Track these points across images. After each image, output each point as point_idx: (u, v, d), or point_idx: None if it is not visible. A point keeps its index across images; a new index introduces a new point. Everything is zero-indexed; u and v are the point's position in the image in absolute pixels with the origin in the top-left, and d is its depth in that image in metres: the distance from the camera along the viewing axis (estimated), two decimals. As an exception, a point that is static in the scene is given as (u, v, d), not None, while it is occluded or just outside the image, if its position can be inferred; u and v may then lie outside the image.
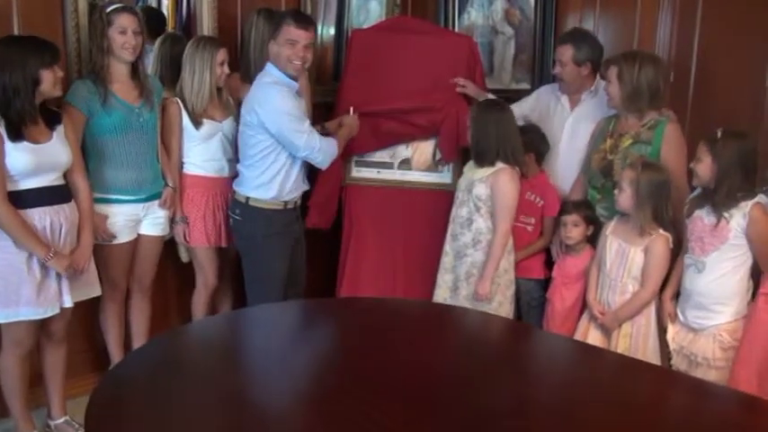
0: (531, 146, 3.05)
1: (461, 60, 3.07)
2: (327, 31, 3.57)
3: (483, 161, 2.81)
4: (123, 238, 2.88)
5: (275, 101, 2.64)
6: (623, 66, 2.71)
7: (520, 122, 3.00)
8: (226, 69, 2.97)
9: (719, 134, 2.41)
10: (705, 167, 2.45)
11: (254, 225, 2.79)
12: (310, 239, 3.05)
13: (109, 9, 2.68)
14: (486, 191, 2.78)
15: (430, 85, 3.05)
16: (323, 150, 2.71)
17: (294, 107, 2.65)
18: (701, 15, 2.94)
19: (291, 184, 2.84)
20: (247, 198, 2.82)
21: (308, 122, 2.67)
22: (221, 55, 2.95)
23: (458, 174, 3.10)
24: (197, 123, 2.95)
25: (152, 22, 2.95)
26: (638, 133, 2.74)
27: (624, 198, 2.62)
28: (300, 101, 2.76)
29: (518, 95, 3.29)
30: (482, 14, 3.62)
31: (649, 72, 2.69)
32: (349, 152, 3.11)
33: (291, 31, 2.68)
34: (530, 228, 3.08)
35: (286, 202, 2.82)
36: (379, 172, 3.31)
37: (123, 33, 2.66)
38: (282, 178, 2.80)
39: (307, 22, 2.74)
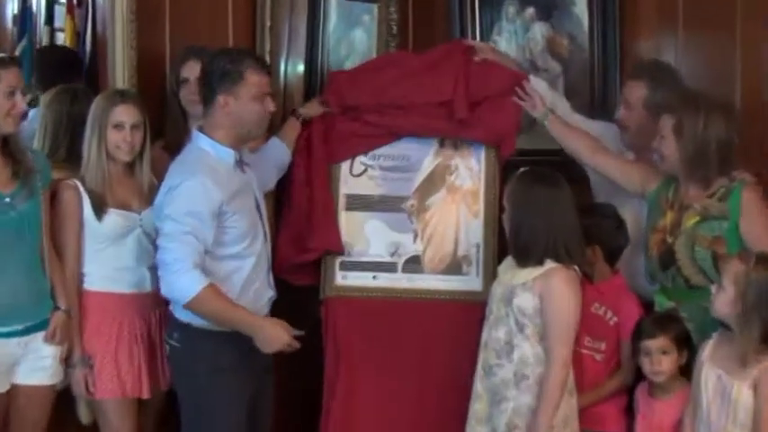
0: (599, 235, 2.85)
1: (452, 71, 3.04)
2: (294, 69, 3.52)
3: (526, 258, 2.66)
4: (-12, 388, 2.68)
5: (183, 194, 2.60)
6: (683, 116, 2.65)
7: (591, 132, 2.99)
8: (128, 137, 2.83)
9: None
10: None
11: (199, 356, 2.69)
12: (277, 377, 2.91)
13: None
14: (533, 301, 2.63)
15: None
16: (179, 279, 2.60)
17: (204, 210, 2.60)
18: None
19: (249, 291, 2.71)
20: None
21: (203, 240, 2.62)
22: (120, 114, 2.81)
23: (491, 276, 2.92)
24: (100, 213, 2.81)
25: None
26: (705, 207, 2.69)
27: (723, 302, 2.47)
28: (242, 172, 2.74)
29: (568, 159, 3.07)
30: (515, 44, 3.49)
31: (719, 126, 2.63)
32: (330, 159, 3.09)
33: (259, 80, 2.67)
34: (599, 356, 2.87)
35: None
36: (375, 277, 3.09)
37: (10, 95, 2.59)
38: (234, 284, 2.67)
39: (266, 63, 2.79)
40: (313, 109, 3.15)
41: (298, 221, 3.09)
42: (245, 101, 2.65)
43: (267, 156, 3.05)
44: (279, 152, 3.09)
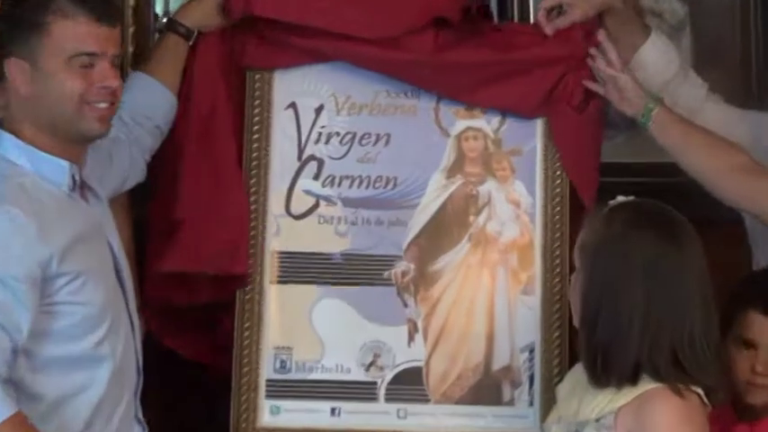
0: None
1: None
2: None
3: (606, 371, 2.08)
4: None
5: None
6: None
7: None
8: None
9: None
10: None
11: None
12: None
13: None
14: (616, 454, 2.34)
15: None
16: None
17: (15, 272, 2.06)
18: None
19: (102, 428, 2.21)
20: None
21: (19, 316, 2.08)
22: None
23: (549, 405, 2.35)
24: None
25: None
26: None
27: None
28: (84, 202, 2.22)
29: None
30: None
31: None
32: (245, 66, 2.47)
33: (78, 32, 2.14)
34: None
35: None
36: (335, 411, 2.41)
37: None
38: (73, 416, 2.16)
39: (106, 6, 2.24)
40: (207, 16, 2.46)
41: (168, 217, 2.43)
42: (49, 71, 2.09)
43: (128, 112, 2.39)
44: (151, 99, 2.44)
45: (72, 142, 2.14)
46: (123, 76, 2.51)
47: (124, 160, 2.34)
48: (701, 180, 2.40)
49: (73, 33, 2.09)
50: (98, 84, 2.10)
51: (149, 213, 2.49)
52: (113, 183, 2.33)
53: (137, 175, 2.38)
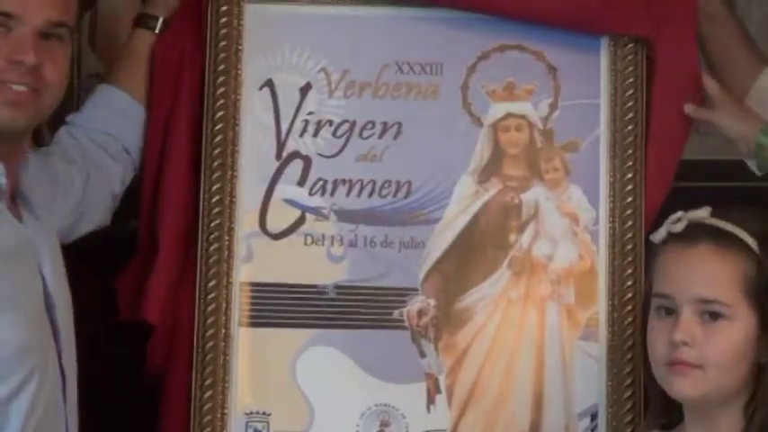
0: None
1: None
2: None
3: None
4: None
5: None
6: None
7: None
8: None
9: None
10: None
11: None
12: None
13: None
14: None
15: None
16: None
17: None
18: None
19: None
20: None
21: None
22: None
23: None
24: None
25: None
26: None
27: None
28: (16, 221, 1.84)
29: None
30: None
31: None
32: None
33: None
34: None
35: None
36: None
37: None
38: None
39: None
40: None
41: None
42: None
43: (84, 130, 2.08)
44: (115, 114, 2.10)
45: None
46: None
47: (77, 187, 1.96)
48: None
49: None
50: (12, 57, 1.68)
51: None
52: (64, 212, 1.93)
53: (98, 214, 1.99)
